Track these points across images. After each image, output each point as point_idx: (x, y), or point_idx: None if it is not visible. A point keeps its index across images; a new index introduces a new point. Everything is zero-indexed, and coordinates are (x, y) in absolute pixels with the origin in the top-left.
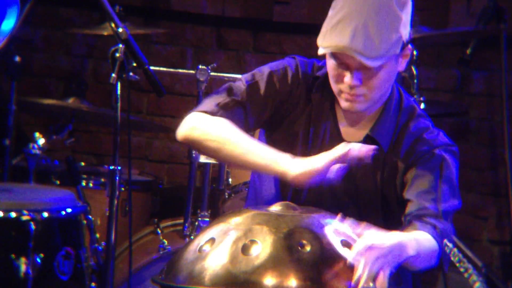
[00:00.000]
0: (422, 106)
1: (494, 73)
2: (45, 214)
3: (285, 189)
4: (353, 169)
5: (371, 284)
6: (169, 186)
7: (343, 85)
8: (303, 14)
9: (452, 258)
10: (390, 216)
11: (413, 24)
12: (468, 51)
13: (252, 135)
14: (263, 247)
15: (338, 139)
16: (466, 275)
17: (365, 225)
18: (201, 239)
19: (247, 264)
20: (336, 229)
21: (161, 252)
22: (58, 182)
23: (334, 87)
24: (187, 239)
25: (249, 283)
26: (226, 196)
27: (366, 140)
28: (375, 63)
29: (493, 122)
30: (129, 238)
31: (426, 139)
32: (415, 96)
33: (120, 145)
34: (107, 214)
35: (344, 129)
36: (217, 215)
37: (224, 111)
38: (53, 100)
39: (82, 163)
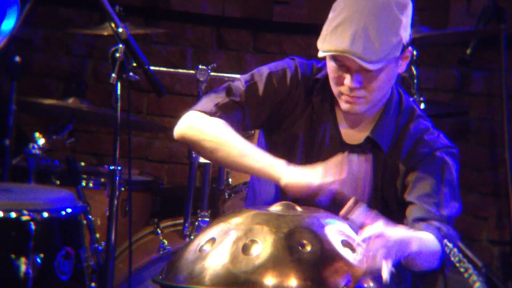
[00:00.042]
0: (422, 106)
1: (494, 73)
2: (45, 214)
3: (284, 195)
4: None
5: (371, 284)
6: (169, 186)
7: (343, 87)
8: (303, 14)
9: (452, 258)
10: (389, 217)
11: (413, 24)
12: (468, 51)
13: (253, 135)
14: (263, 247)
15: (338, 141)
16: (466, 275)
17: (375, 215)
18: (201, 239)
19: (247, 264)
20: (337, 229)
21: (161, 252)
22: (58, 182)
23: (334, 89)
24: (187, 239)
25: (250, 283)
26: (226, 196)
27: (367, 142)
28: (375, 66)
29: (493, 122)
30: (129, 238)
31: (426, 141)
32: (415, 96)
33: (120, 145)
34: (107, 214)
35: (344, 131)
36: (217, 215)
37: (222, 112)
38: (53, 100)
39: (82, 163)
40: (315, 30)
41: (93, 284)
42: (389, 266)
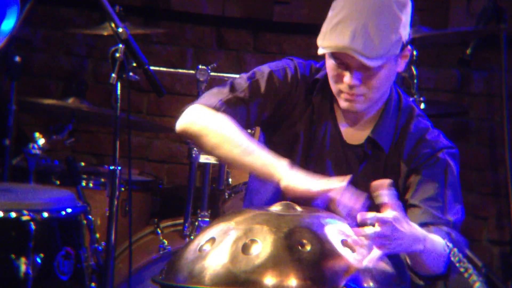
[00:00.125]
0: (422, 106)
1: (494, 73)
2: (45, 214)
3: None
4: (353, 171)
5: (371, 284)
6: (169, 186)
7: (342, 85)
8: (303, 14)
9: (452, 258)
10: None
11: (413, 24)
12: (468, 51)
13: (253, 134)
14: (263, 246)
15: (339, 141)
16: (466, 275)
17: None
18: (201, 239)
19: (247, 263)
20: (337, 229)
21: (161, 252)
22: (58, 182)
23: (334, 87)
24: (187, 239)
25: (250, 282)
26: (226, 196)
27: (368, 142)
28: (375, 63)
29: (493, 122)
30: (129, 238)
31: (428, 140)
32: (415, 96)
33: (120, 145)
34: (107, 214)
35: (344, 131)
36: (217, 215)
37: (227, 107)
38: (53, 100)
39: (82, 163)
40: (315, 30)
41: (93, 284)
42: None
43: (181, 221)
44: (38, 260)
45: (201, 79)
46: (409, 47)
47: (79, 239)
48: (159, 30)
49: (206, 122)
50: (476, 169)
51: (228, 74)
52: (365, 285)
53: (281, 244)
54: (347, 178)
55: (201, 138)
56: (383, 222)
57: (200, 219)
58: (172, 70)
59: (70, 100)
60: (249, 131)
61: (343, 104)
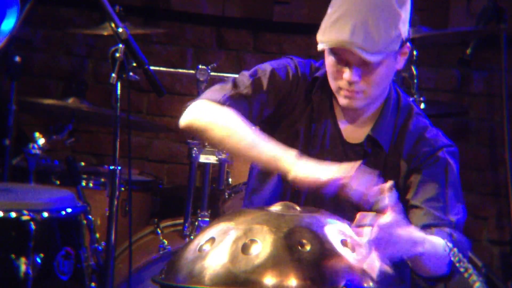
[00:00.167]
0: (422, 106)
1: (494, 73)
2: (45, 214)
3: (283, 195)
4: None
5: (371, 284)
6: (169, 186)
7: (342, 81)
8: (303, 14)
9: (452, 258)
10: None
11: (413, 24)
12: (468, 51)
13: None
14: (263, 246)
15: (339, 139)
16: (466, 275)
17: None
18: (201, 239)
19: (247, 263)
20: (336, 229)
21: (161, 252)
22: (58, 182)
23: (333, 84)
24: (187, 239)
25: (249, 282)
26: (226, 196)
27: (368, 140)
28: (374, 58)
29: (493, 122)
30: (129, 238)
31: (427, 139)
32: (415, 96)
33: (120, 145)
34: (107, 214)
35: (344, 129)
36: (217, 215)
37: (231, 102)
38: (53, 100)
39: (82, 163)
40: (315, 30)
41: (93, 284)
42: (381, 260)
43: (181, 221)
44: (38, 260)
45: (201, 79)
46: (408, 44)
47: (79, 239)
48: (159, 30)
49: (212, 116)
50: (476, 169)
51: (228, 74)
52: (365, 285)
53: (281, 244)
54: (357, 164)
55: (207, 132)
56: (380, 225)
57: (200, 219)
58: (172, 70)
59: (70, 100)
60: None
61: (342, 101)
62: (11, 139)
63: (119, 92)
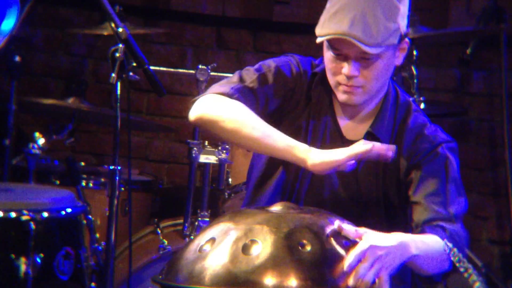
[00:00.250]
0: (422, 106)
1: (494, 73)
2: (45, 214)
3: (283, 195)
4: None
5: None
6: (169, 186)
7: (340, 76)
8: (303, 14)
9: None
10: (392, 214)
11: (413, 24)
12: (468, 51)
13: None
14: (263, 246)
15: (338, 135)
16: (466, 275)
17: (365, 228)
18: (201, 239)
19: (247, 263)
20: (337, 229)
21: (161, 252)
22: (58, 182)
23: (332, 79)
24: (187, 239)
25: (250, 282)
26: (226, 196)
27: (367, 137)
28: (373, 50)
29: (493, 122)
30: (129, 238)
31: (426, 135)
32: (415, 96)
33: (120, 145)
34: (107, 214)
35: (344, 126)
36: (217, 215)
37: (239, 95)
38: (53, 100)
39: (82, 163)
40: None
41: (93, 284)
42: (385, 277)
43: (181, 221)
44: (38, 260)
45: (201, 79)
46: (407, 40)
47: (79, 239)
48: (159, 30)
49: (222, 108)
50: (476, 169)
51: (228, 74)
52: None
53: (281, 244)
54: (365, 141)
55: (218, 123)
56: (368, 247)
57: (200, 219)
58: (172, 70)
59: (70, 100)
60: None
61: (341, 96)
62: (11, 139)
63: (119, 92)
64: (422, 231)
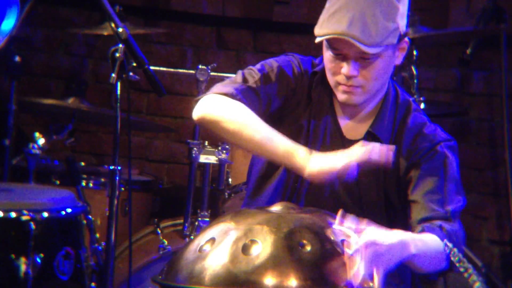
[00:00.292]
0: (422, 106)
1: (494, 73)
2: (45, 214)
3: (283, 195)
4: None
5: (370, 284)
6: (169, 186)
7: (340, 76)
8: (303, 14)
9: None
10: (392, 214)
11: (413, 24)
12: (468, 51)
13: None
14: (263, 246)
15: (338, 135)
16: (466, 275)
17: (367, 222)
18: (201, 239)
19: (247, 263)
20: (337, 229)
21: (161, 252)
22: (58, 182)
23: (331, 79)
24: (187, 239)
25: (250, 282)
26: (226, 196)
27: (367, 136)
28: (372, 50)
29: (493, 122)
30: (129, 238)
31: (426, 135)
32: (415, 96)
33: (120, 145)
34: (107, 214)
35: (344, 125)
36: (217, 215)
37: (242, 96)
38: (53, 100)
39: (82, 163)
40: None
41: (93, 284)
42: (381, 274)
43: (181, 221)
44: (38, 260)
45: (201, 79)
46: (406, 39)
47: (79, 239)
48: (159, 30)
49: (225, 109)
50: (476, 169)
51: (228, 74)
52: (365, 285)
53: (281, 245)
54: (365, 143)
55: (220, 124)
56: (366, 243)
57: (200, 219)
58: (172, 70)
59: (70, 100)
60: None
61: (341, 96)
62: (11, 139)
63: (119, 92)
64: (421, 230)
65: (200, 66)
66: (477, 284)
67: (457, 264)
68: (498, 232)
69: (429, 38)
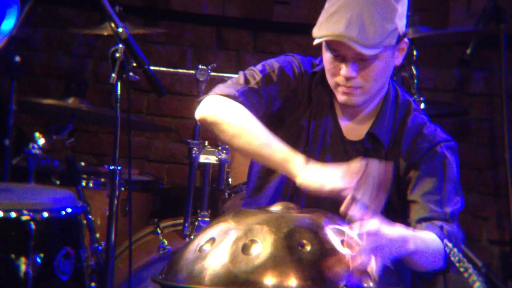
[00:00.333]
0: (422, 106)
1: (494, 73)
2: (45, 214)
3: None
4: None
5: (370, 284)
6: (169, 186)
7: (339, 77)
8: (303, 14)
9: (452, 258)
10: (392, 214)
11: (413, 24)
12: (468, 51)
13: None
14: (263, 246)
15: (338, 136)
16: (466, 275)
17: (372, 213)
18: (201, 239)
19: (247, 263)
20: (336, 229)
21: (161, 252)
22: (58, 182)
23: (331, 80)
24: (187, 239)
25: (250, 282)
26: (226, 196)
27: (368, 137)
28: (370, 51)
29: (493, 122)
30: (129, 238)
31: (426, 135)
32: (415, 96)
33: (120, 145)
34: (107, 214)
35: (344, 126)
36: (217, 215)
37: (244, 98)
38: (53, 100)
39: (82, 163)
40: None
41: (93, 284)
42: (379, 263)
43: (181, 221)
44: (38, 260)
45: (201, 79)
46: (406, 40)
47: (79, 239)
48: (159, 30)
49: (226, 110)
50: (476, 169)
51: (228, 74)
52: (365, 285)
53: (281, 244)
54: (364, 161)
55: (220, 126)
56: (369, 232)
57: (200, 219)
58: (172, 70)
59: (70, 100)
60: None
61: (340, 97)
62: (11, 139)
63: (119, 92)
64: (420, 227)
65: (200, 66)
66: (477, 284)
67: (457, 264)
68: (498, 232)
69: (429, 38)
